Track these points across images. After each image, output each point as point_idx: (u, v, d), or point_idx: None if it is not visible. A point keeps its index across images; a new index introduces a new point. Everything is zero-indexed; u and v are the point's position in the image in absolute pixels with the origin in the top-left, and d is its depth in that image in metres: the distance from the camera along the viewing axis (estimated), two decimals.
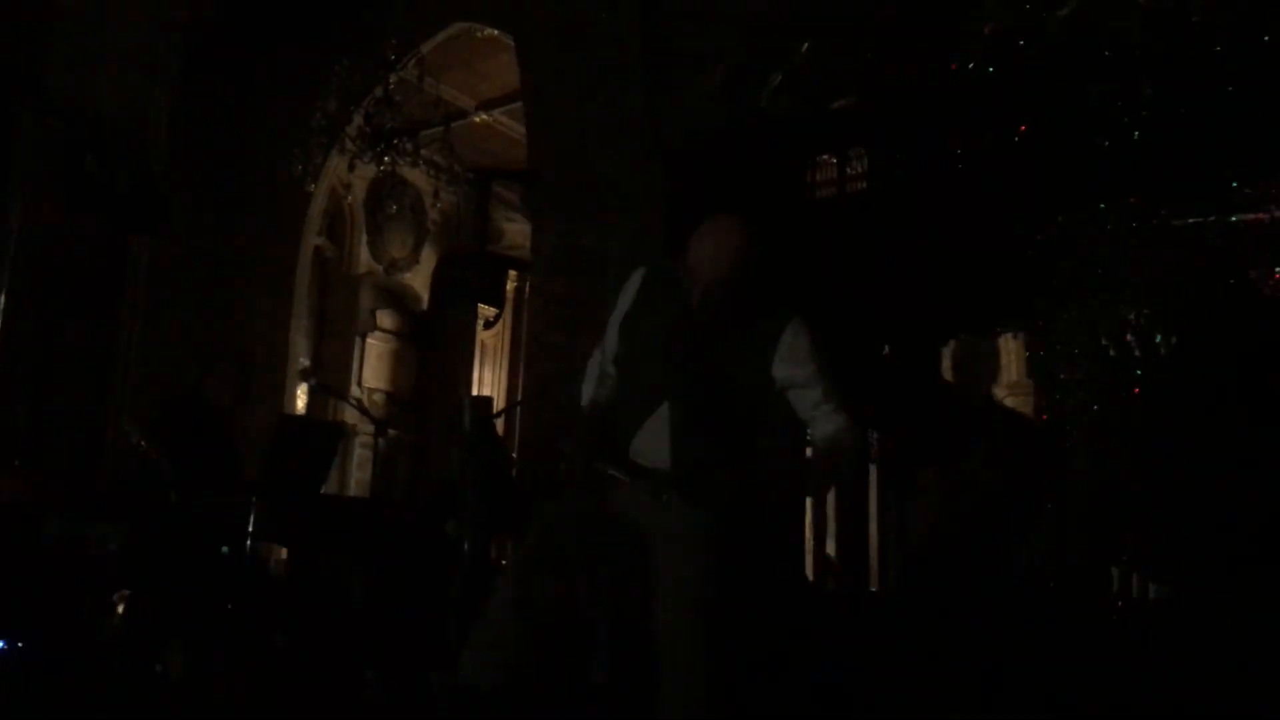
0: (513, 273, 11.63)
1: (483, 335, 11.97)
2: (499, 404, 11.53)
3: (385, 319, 11.51)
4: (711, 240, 2.55)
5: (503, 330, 12.09)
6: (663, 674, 2.54)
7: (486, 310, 11.85)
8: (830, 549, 7.92)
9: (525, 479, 6.72)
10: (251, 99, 9.76)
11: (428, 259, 11.62)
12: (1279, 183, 5.34)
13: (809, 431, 2.73)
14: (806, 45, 7.36)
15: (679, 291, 2.59)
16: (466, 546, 3.51)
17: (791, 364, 2.61)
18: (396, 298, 11.70)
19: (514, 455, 7.56)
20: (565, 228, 7.63)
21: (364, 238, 11.34)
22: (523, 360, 9.53)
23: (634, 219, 7.35)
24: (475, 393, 11.03)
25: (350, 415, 9.64)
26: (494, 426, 5.27)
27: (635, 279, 2.75)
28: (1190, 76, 5.51)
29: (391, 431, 9.51)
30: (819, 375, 2.63)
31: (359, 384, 11.15)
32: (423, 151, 9.18)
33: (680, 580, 2.53)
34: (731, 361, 2.62)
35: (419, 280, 11.71)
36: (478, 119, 10.39)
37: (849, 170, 7.01)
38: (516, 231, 11.51)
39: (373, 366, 11.36)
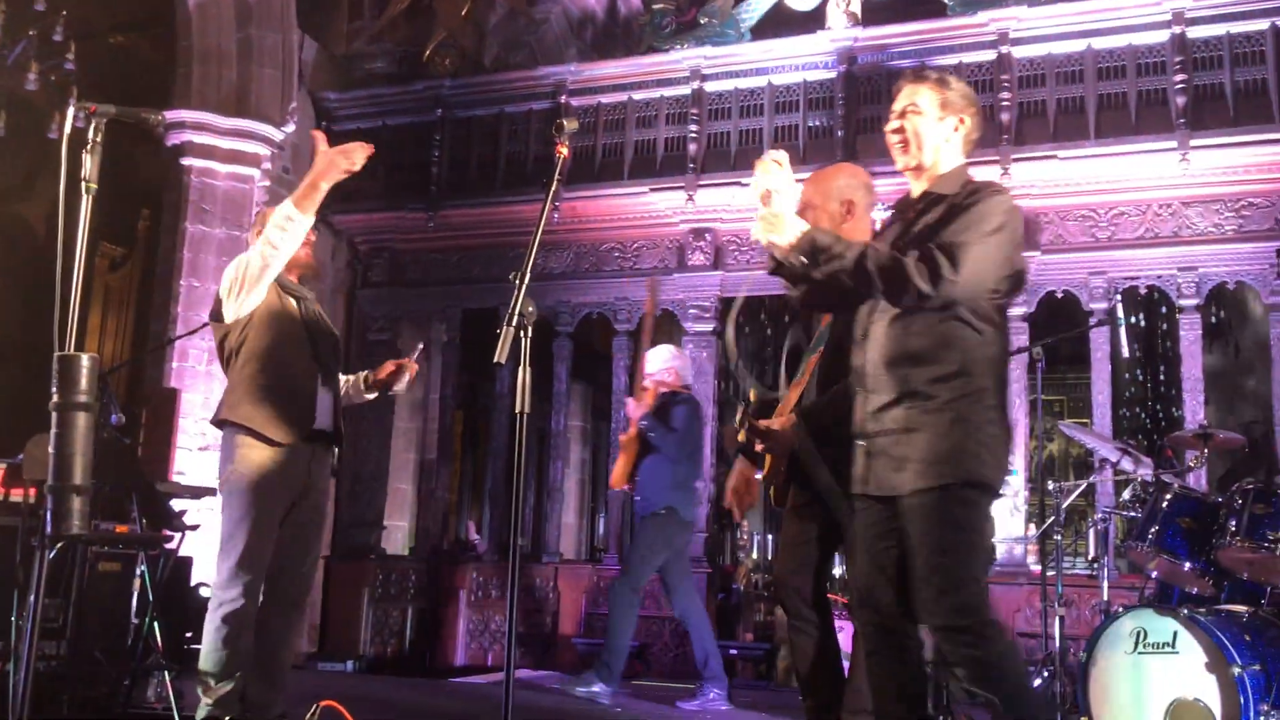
0: (145, 210, 10.74)
1: (108, 278, 10.98)
2: (118, 356, 10.62)
3: None
4: None
5: (131, 273, 11.15)
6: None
7: (113, 250, 10.87)
8: None
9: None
10: None
11: (46, 188, 10.51)
12: None
13: None
14: None
15: None
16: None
17: None
18: (6, 230, 10.50)
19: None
20: None
21: None
22: (153, 308, 8.86)
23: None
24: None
25: None
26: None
27: None
28: None
29: None
30: None
31: None
32: (41, 68, 8.23)
33: None
34: None
35: (35, 211, 10.57)
36: (111, 40, 9.52)
37: None
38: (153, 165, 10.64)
39: None
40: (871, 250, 2.75)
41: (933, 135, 2.96)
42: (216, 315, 3.82)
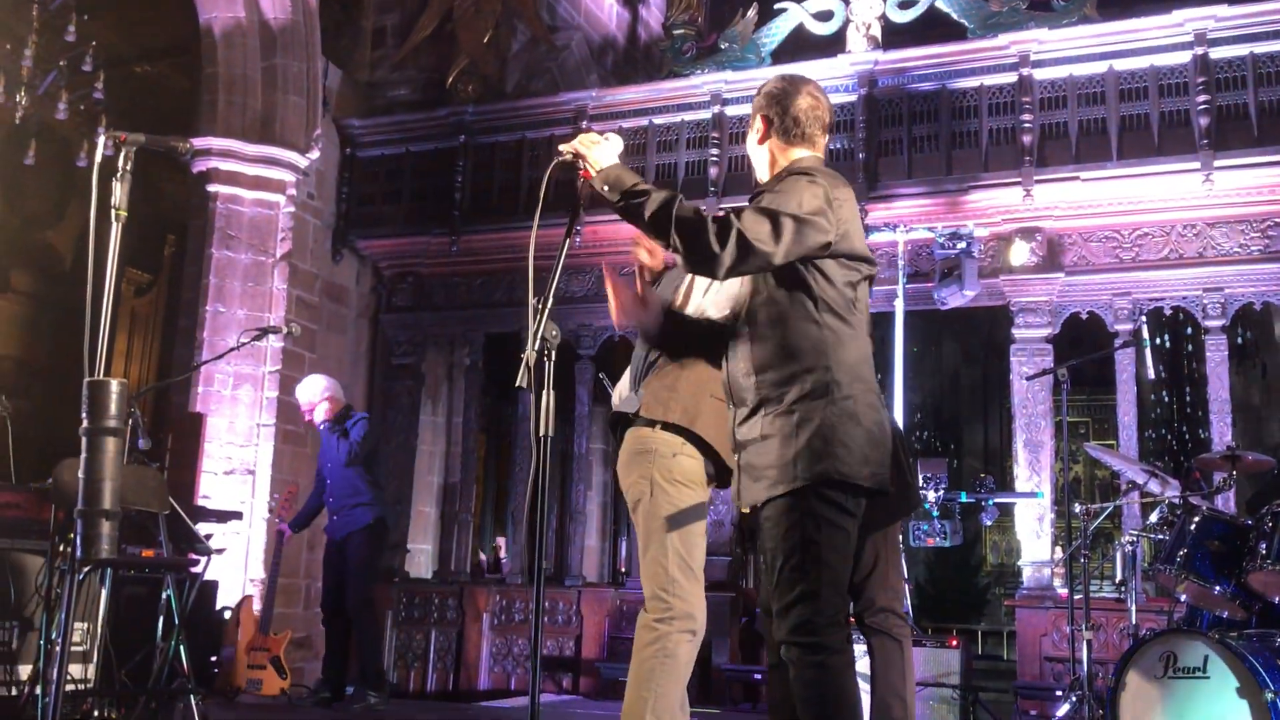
0: (170, 236, 10.86)
1: (134, 303, 11.09)
2: (144, 380, 10.72)
3: (20, 279, 10.44)
4: None
5: (157, 298, 11.27)
6: None
7: (139, 276, 10.99)
8: None
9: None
10: None
11: (74, 215, 10.65)
12: None
13: None
14: None
15: None
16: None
17: None
18: (35, 256, 10.63)
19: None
20: None
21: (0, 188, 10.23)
22: (178, 333, 8.94)
23: None
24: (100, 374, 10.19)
25: None
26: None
27: None
28: None
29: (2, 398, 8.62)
30: None
31: None
32: (71, 97, 8.35)
33: None
34: None
35: (63, 238, 10.70)
36: (138, 69, 9.65)
37: None
38: (178, 192, 10.77)
39: (2, 331, 10.29)
40: (683, 201, 2.69)
41: (753, 153, 3.05)
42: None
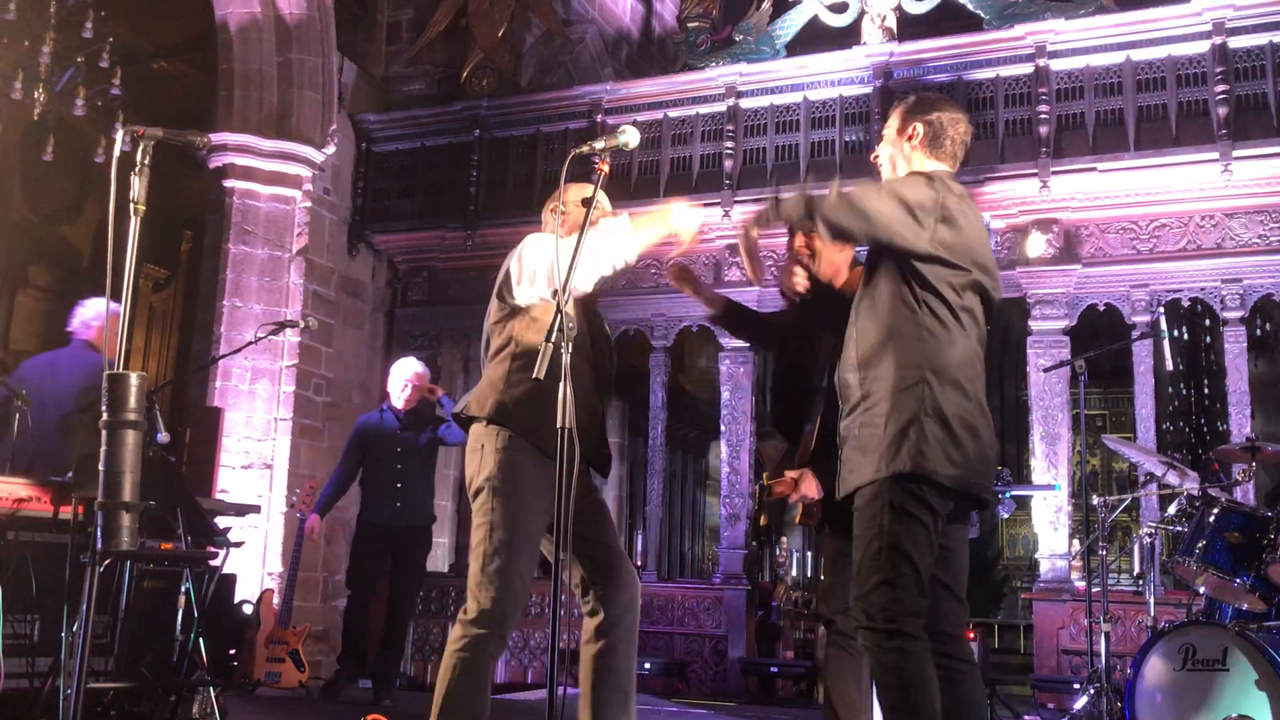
0: (187, 233, 10.90)
1: (152, 299, 11.14)
2: (162, 375, 10.76)
3: (39, 275, 10.50)
4: None
5: (174, 294, 11.32)
6: None
7: (157, 271, 11.04)
8: None
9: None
10: None
11: (93, 211, 10.70)
12: None
13: None
14: None
15: None
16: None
17: None
18: (54, 252, 10.69)
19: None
20: None
21: (18, 183, 10.28)
22: (196, 327, 8.99)
23: None
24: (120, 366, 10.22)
25: None
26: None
27: None
28: None
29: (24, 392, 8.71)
30: None
31: (5, 346, 10.12)
32: (89, 93, 8.39)
33: None
34: None
35: (81, 234, 10.76)
36: (155, 65, 9.68)
37: None
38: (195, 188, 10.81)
39: (21, 327, 10.35)
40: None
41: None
42: None
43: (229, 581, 6.43)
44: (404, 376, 6.43)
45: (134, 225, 2.83)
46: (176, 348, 11.19)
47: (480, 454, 3.19)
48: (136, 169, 2.84)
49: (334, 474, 6.66)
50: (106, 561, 2.81)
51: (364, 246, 9.44)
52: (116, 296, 2.85)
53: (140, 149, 2.86)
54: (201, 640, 4.41)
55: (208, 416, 8.06)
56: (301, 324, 6.67)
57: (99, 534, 2.65)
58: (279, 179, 8.66)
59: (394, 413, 6.42)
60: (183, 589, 4.56)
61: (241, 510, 5.87)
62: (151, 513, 4.49)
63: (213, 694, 4.42)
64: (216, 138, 8.40)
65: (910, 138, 3.10)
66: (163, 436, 4.98)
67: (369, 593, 6.45)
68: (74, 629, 3.59)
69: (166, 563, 4.71)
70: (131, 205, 2.83)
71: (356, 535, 6.60)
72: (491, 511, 3.12)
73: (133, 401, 2.73)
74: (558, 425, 2.69)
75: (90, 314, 5.90)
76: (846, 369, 2.96)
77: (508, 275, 3.34)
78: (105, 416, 2.69)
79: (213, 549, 4.86)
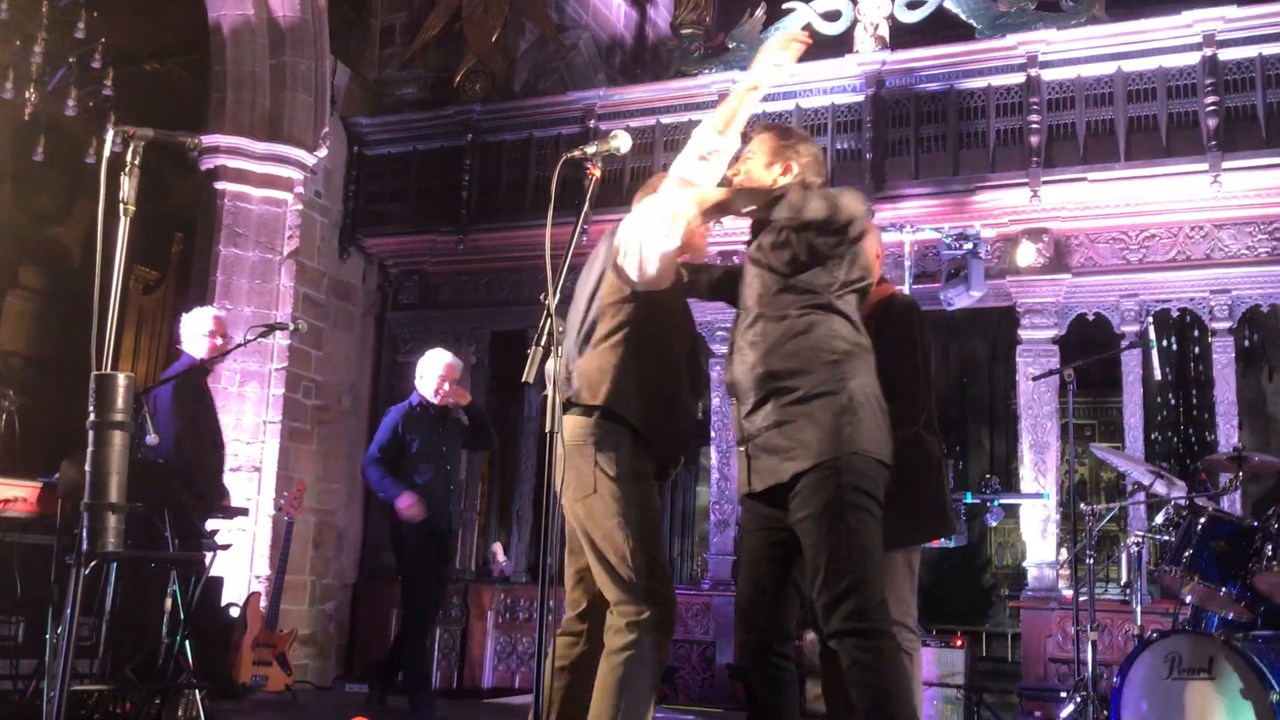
0: (178, 234, 10.87)
1: (141, 300, 11.10)
2: (151, 377, 10.72)
3: (29, 276, 10.47)
4: None
5: (165, 296, 11.28)
6: None
7: (147, 273, 11.00)
8: None
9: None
10: None
11: (83, 212, 10.68)
12: None
13: None
14: None
15: None
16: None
17: None
18: (44, 253, 10.67)
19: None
20: None
21: (8, 183, 10.26)
22: None
23: None
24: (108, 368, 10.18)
25: None
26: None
27: None
28: None
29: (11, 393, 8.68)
30: None
31: None
32: (80, 94, 8.37)
33: None
34: None
35: (71, 235, 10.73)
36: (148, 66, 9.66)
37: None
38: (187, 190, 10.79)
39: (10, 328, 10.32)
40: None
41: None
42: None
43: (216, 584, 6.41)
44: (437, 371, 6.04)
45: (124, 226, 2.83)
46: (165, 350, 11.15)
47: (593, 445, 3.05)
48: (126, 169, 2.84)
49: (376, 456, 5.94)
50: (92, 563, 2.80)
51: (355, 250, 9.43)
52: (105, 297, 2.84)
53: (130, 149, 2.86)
54: (188, 643, 4.40)
55: None
56: (291, 327, 6.65)
57: (84, 535, 2.64)
58: (270, 181, 8.64)
59: (430, 407, 6.04)
60: (170, 591, 4.55)
61: (229, 513, 5.86)
62: (139, 514, 4.47)
63: (198, 697, 4.41)
64: (208, 139, 8.38)
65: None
66: (151, 438, 4.97)
67: (439, 604, 6.23)
68: (59, 631, 3.58)
69: (154, 565, 4.70)
70: (121, 206, 2.82)
71: (407, 538, 5.89)
72: (623, 504, 3.01)
73: (120, 402, 2.72)
74: (642, 419, 2.93)
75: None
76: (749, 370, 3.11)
77: (616, 252, 3.21)
78: (92, 416, 2.69)
79: (200, 552, 4.85)
